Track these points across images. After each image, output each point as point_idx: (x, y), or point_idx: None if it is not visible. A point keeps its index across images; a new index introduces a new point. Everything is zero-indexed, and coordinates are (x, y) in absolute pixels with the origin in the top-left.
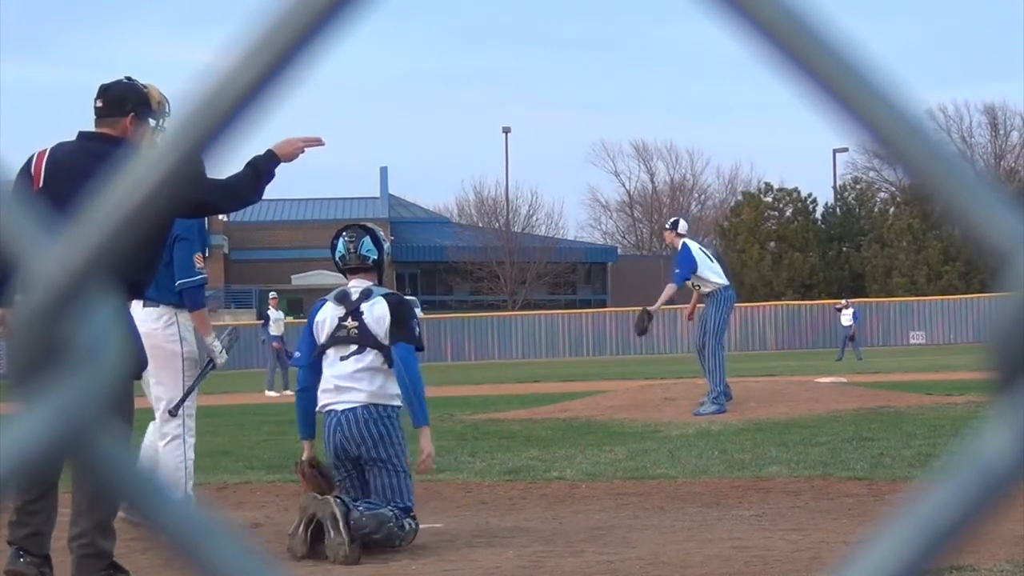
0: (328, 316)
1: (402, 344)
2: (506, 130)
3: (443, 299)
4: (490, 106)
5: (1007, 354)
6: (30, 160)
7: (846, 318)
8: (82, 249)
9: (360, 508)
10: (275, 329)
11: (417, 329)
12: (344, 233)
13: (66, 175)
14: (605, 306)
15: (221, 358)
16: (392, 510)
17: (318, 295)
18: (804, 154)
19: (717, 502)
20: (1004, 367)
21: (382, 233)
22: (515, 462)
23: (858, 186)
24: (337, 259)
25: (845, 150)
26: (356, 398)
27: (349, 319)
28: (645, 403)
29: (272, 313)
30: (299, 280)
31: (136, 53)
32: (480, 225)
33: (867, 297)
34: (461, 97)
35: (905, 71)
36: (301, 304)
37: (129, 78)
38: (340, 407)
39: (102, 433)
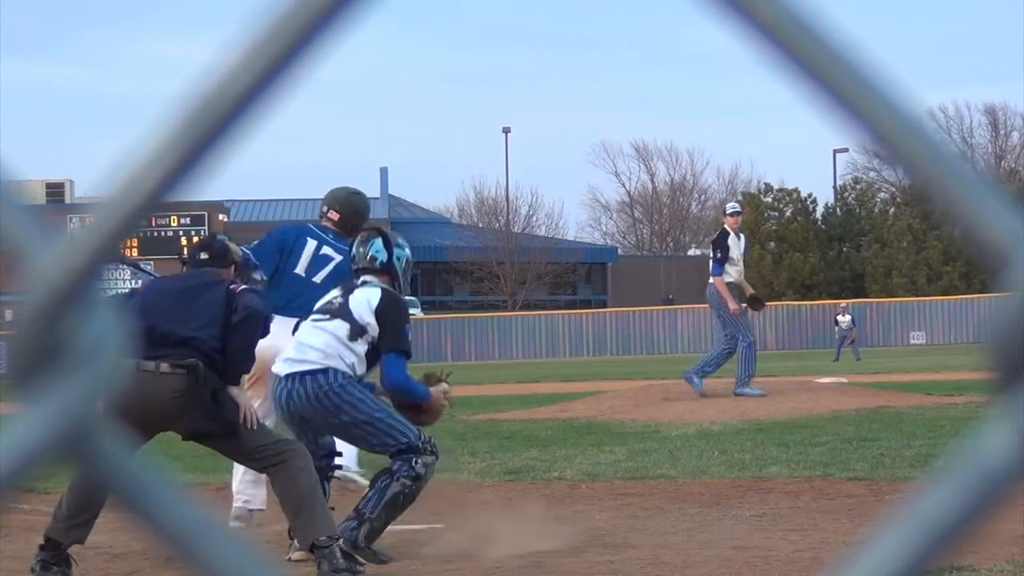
0: (327, 296)
1: (390, 355)
2: (506, 130)
3: (443, 299)
4: (490, 106)
5: (1007, 354)
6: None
7: (844, 323)
8: (82, 249)
9: (368, 510)
10: None
11: (407, 334)
12: (359, 236)
13: (191, 275)
14: (605, 306)
15: None
16: (398, 470)
17: None
18: (804, 154)
19: (717, 502)
20: (1004, 367)
21: (400, 239)
22: (515, 462)
23: (858, 186)
24: (351, 260)
25: (845, 150)
26: (309, 357)
27: (339, 296)
28: (645, 403)
29: None
30: None
31: (140, 53)
32: (480, 225)
33: (867, 297)
34: (461, 97)
35: (905, 71)
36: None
37: (216, 234)
38: (286, 371)
39: (102, 433)
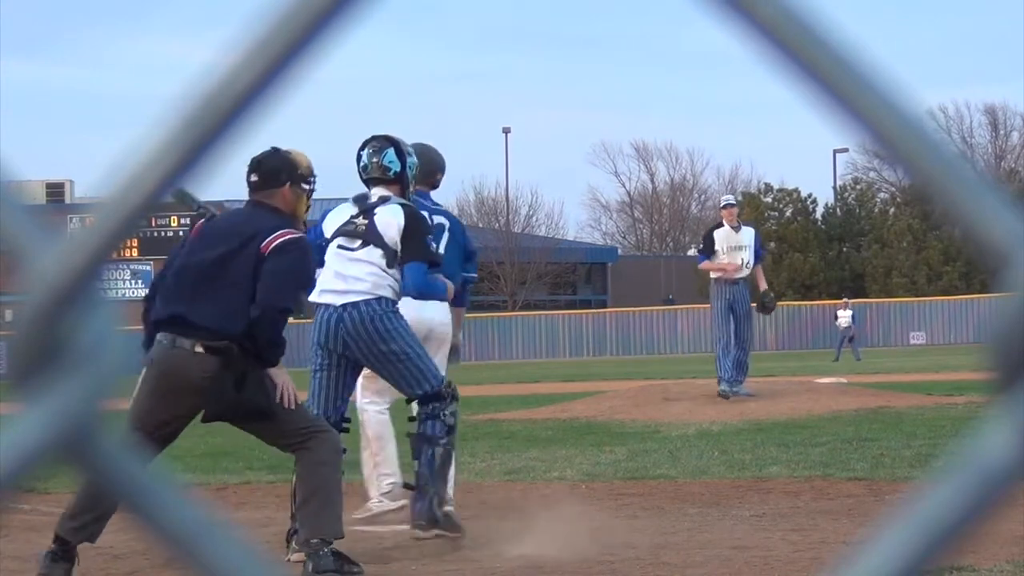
0: (341, 213)
1: (411, 266)
2: (506, 130)
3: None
4: (490, 106)
5: (1007, 354)
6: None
7: (844, 319)
8: (82, 249)
9: (429, 484)
10: None
11: (432, 244)
12: (369, 144)
13: (224, 233)
14: (605, 306)
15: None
16: (433, 433)
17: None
18: (804, 154)
19: (717, 502)
20: (1004, 367)
21: (408, 146)
22: (515, 462)
23: (858, 186)
24: (360, 169)
25: (845, 150)
26: (358, 288)
27: (360, 217)
28: (645, 403)
29: None
30: None
31: (140, 53)
32: (480, 225)
33: (867, 297)
34: (461, 97)
35: (905, 71)
36: (301, 305)
37: (276, 149)
38: (340, 301)
39: (102, 433)
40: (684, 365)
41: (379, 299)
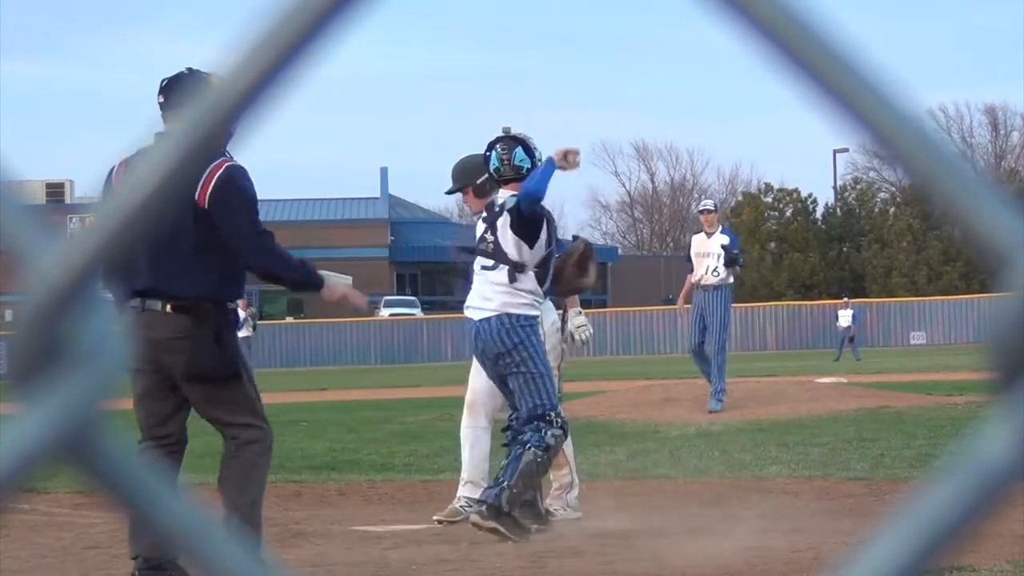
0: (480, 226)
1: (524, 186)
2: (506, 130)
3: (443, 299)
4: (490, 106)
5: (1007, 354)
6: (111, 170)
7: (844, 319)
8: (82, 249)
9: (506, 478)
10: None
11: (532, 203)
12: (496, 145)
13: None
14: (605, 306)
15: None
16: (529, 440)
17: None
18: (804, 154)
19: (717, 502)
20: (1004, 367)
21: (533, 141)
22: None
23: (858, 186)
24: (492, 171)
25: (845, 150)
26: (490, 306)
27: (488, 233)
28: (645, 403)
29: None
30: None
31: (140, 53)
32: None
33: (867, 297)
34: (461, 97)
35: (905, 71)
36: (301, 304)
37: (190, 69)
38: (477, 316)
39: (102, 433)
40: (684, 365)
41: (508, 315)
